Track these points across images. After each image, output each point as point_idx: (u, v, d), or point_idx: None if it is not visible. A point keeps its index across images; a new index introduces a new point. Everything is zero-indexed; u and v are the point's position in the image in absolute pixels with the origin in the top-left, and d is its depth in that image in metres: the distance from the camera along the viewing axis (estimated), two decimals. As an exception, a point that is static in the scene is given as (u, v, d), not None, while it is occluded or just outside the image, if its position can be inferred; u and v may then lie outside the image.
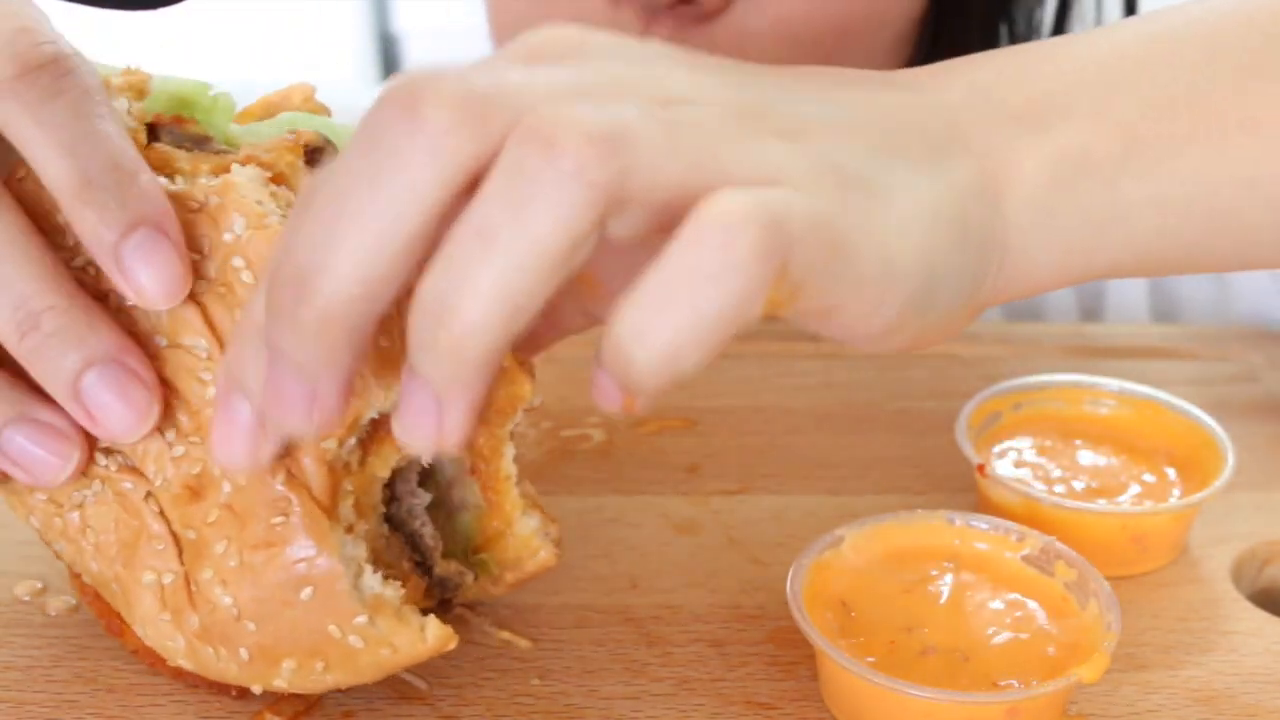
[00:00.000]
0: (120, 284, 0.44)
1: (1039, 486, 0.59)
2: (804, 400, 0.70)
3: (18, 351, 0.44)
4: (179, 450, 0.46)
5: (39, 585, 0.55)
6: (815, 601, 0.50)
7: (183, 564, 0.46)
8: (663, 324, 0.36)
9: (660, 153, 0.36)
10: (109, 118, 0.44)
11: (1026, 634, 0.50)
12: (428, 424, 0.38)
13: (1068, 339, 0.77)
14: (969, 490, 0.62)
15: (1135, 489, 0.59)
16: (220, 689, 0.49)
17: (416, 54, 2.42)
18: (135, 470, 0.46)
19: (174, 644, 0.46)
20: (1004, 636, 0.50)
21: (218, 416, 0.42)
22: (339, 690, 0.50)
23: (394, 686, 0.51)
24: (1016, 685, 0.48)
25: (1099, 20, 0.80)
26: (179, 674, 0.49)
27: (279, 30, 2.23)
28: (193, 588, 0.46)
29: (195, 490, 0.45)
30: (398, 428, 0.39)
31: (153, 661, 0.49)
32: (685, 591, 0.56)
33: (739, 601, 0.56)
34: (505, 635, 0.53)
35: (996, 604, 0.52)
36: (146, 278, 0.44)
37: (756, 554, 0.58)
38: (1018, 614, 0.51)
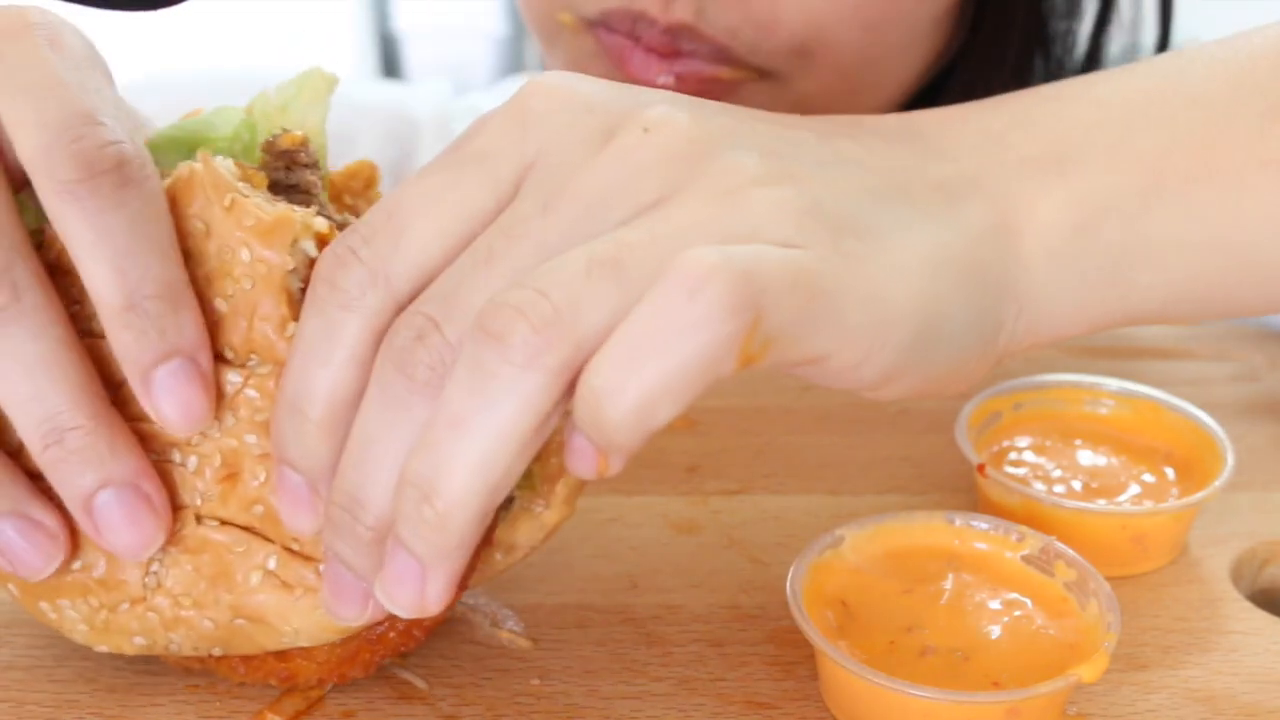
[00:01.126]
0: (145, 404, 0.45)
1: (1039, 486, 0.59)
2: (804, 400, 0.70)
3: (39, 459, 0.44)
4: (195, 459, 0.46)
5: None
6: (815, 601, 0.50)
7: (270, 539, 0.46)
8: (634, 381, 0.37)
9: (610, 311, 0.38)
10: (165, 235, 0.44)
11: (1026, 634, 0.50)
12: (411, 591, 0.40)
13: (1066, 339, 0.77)
14: (969, 490, 0.62)
15: (1135, 489, 0.59)
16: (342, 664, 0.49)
17: (416, 54, 2.43)
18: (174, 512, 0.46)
19: (320, 614, 0.46)
20: (1004, 636, 0.50)
21: (280, 493, 0.44)
22: (339, 689, 0.50)
23: (394, 686, 0.51)
24: (1016, 686, 0.48)
25: (1135, 35, 0.80)
26: (331, 667, 0.48)
27: (279, 30, 2.23)
28: (294, 546, 0.46)
29: (232, 474, 0.46)
30: (380, 593, 0.41)
31: (288, 675, 0.48)
32: (685, 591, 0.56)
33: (739, 601, 0.56)
34: (505, 635, 0.53)
35: (996, 604, 0.52)
36: (171, 407, 0.44)
37: (756, 554, 0.58)
38: (1017, 614, 0.51)
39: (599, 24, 0.69)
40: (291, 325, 0.45)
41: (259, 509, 0.46)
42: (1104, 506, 0.58)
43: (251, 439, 0.45)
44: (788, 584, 0.50)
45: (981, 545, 0.54)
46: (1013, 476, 0.59)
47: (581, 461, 0.40)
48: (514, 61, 2.50)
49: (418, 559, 0.40)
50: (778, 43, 0.67)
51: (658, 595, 0.56)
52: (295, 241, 0.45)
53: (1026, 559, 0.53)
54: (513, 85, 0.94)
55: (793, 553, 0.52)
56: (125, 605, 0.46)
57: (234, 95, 0.51)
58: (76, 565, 0.46)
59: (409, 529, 0.39)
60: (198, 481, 0.46)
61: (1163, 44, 0.79)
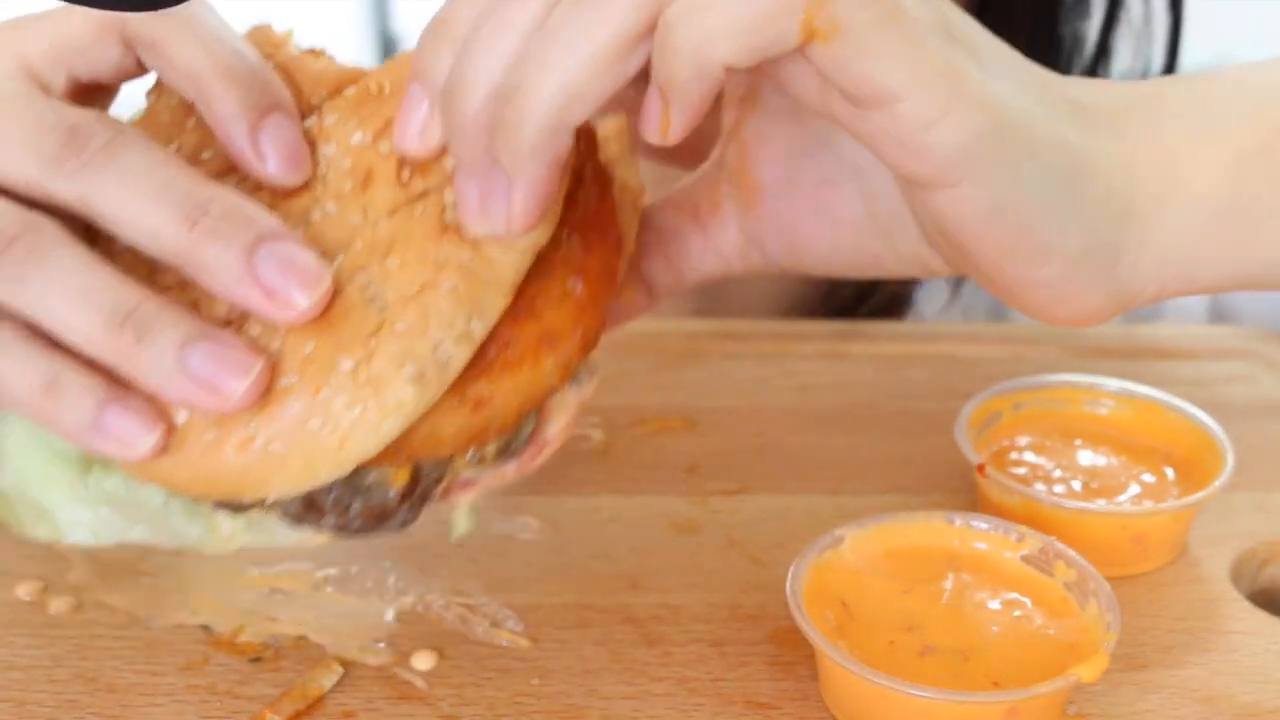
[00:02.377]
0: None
1: (1039, 486, 0.59)
2: (804, 400, 0.70)
3: (190, 240, 0.44)
4: (332, 204, 0.47)
5: (40, 585, 0.55)
6: (815, 601, 0.50)
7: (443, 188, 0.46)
8: (700, 15, 0.40)
9: None
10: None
11: (1026, 634, 0.50)
12: (500, 203, 0.43)
13: (1068, 339, 0.77)
14: (969, 490, 0.62)
15: (1135, 489, 0.59)
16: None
17: (416, 54, 2.43)
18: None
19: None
20: (1004, 636, 0.50)
21: (402, 107, 0.46)
22: (339, 689, 0.50)
23: (394, 686, 0.51)
24: (1016, 685, 0.48)
25: (1147, 34, 0.79)
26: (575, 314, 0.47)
27: (279, 30, 2.23)
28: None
29: (366, 178, 0.47)
30: (480, 212, 0.44)
31: (547, 336, 0.46)
32: (685, 591, 0.56)
33: (739, 601, 0.56)
34: (505, 635, 0.53)
35: (996, 604, 0.52)
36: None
37: (756, 554, 0.58)
38: (1017, 614, 0.51)
39: None
40: None
41: (405, 173, 0.46)
42: (1104, 506, 0.58)
43: (358, 137, 0.47)
44: (788, 584, 0.50)
45: (981, 545, 0.54)
46: (1013, 476, 0.59)
47: (648, 122, 0.42)
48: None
49: (504, 168, 0.42)
50: None
51: (658, 595, 0.56)
52: None
53: (1026, 559, 0.53)
54: None
55: (793, 553, 0.52)
56: (373, 341, 0.44)
57: None
58: (308, 348, 0.44)
59: (498, 136, 0.42)
60: (351, 214, 0.46)
61: (1173, 44, 0.78)
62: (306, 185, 0.48)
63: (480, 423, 0.46)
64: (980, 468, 0.58)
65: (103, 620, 0.54)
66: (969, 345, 0.75)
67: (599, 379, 0.50)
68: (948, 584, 0.52)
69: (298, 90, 0.50)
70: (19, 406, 0.45)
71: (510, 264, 0.45)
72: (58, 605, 0.54)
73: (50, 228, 0.45)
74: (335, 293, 0.45)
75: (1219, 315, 0.87)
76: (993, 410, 0.62)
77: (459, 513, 0.52)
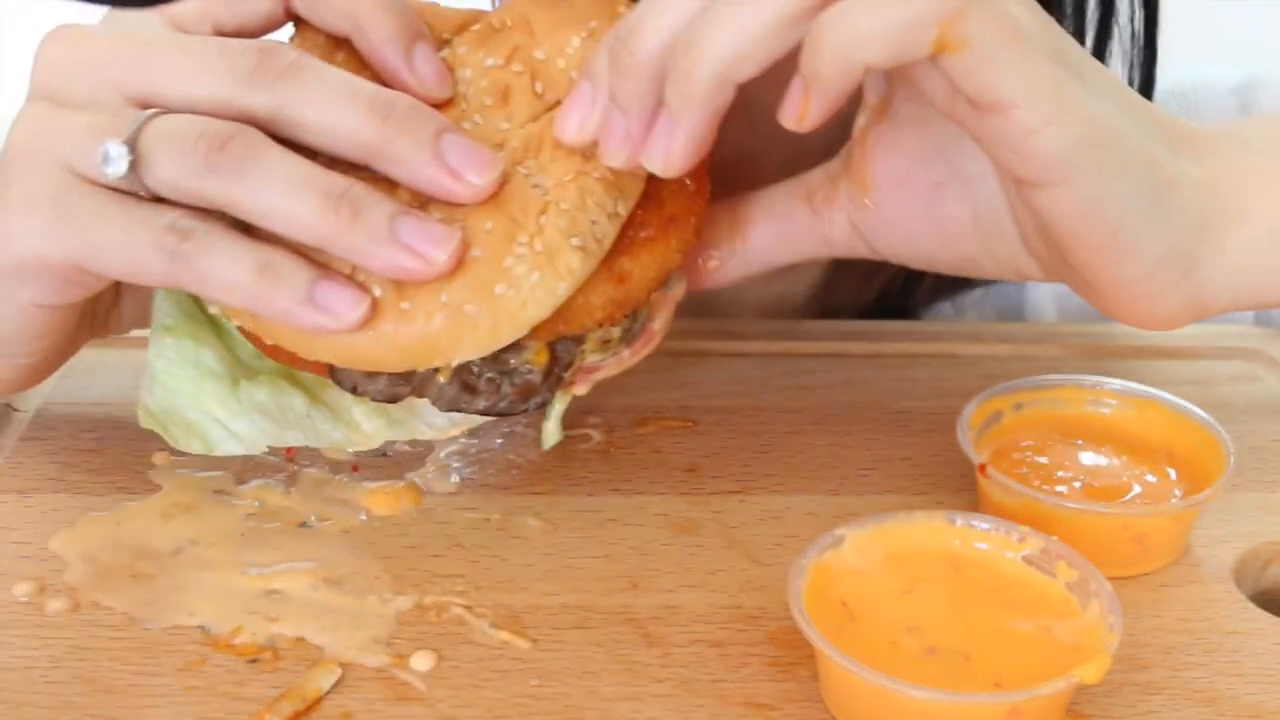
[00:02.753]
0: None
1: (1040, 487, 0.58)
2: (804, 400, 0.70)
3: (380, 133, 0.50)
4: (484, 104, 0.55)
5: (37, 586, 0.55)
6: (815, 601, 0.50)
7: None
8: (850, 18, 0.45)
9: None
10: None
11: (1028, 635, 0.50)
12: (662, 141, 0.49)
13: (1068, 339, 0.77)
14: (969, 490, 0.62)
15: (1137, 489, 0.59)
16: None
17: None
18: None
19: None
20: (1005, 637, 0.50)
21: (569, 98, 0.52)
22: (338, 690, 0.50)
23: (394, 687, 0.51)
24: (1017, 686, 0.48)
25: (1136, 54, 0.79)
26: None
27: (279, 29, 2.23)
28: None
29: (503, 93, 0.54)
30: (614, 149, 0.50)
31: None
32: (685, 591, 0.56)
33: (739, 601, 0.55)
34: (505, 635, 0.53)
35: (997, 604, 0.51)
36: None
37: (756, 554, 0.58)
38: (1019, 615, 0.51)
39: None
40: None
41: (539, 86, 0.54)
42: (1106, 507, 0.57)
43: (491, 61, 0.55)
44: (788, 584, 0.50)
45: (982, 545, 0.53)
46: (1014, 476, 0.59)
47: (789, 108, 0.48)
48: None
49: (671, 111, 0.48)
50: None
51: (658, 595, 0.56)
52: None
53: (1028, 559, 0.53)
54: None
55: (793, 553, 0.52)
56: (543, 218, 0.51)
57: None
58: (487, 226, 0.51)
59: (669, 83, 0.48)
60: (498, 122, 0.53)
61: (1147, 64, 0.77)
62: (450, 103, 0.54)
63: (622, 295, 0.53)
64: (981, 467, 0.58)
65: (100, 621, 0.54)
66: (970, 345, 0.75)
67: (684, 286, 0.58)
68: (949, 584, 0.52)
69: (429, 26, 0.56)
70: (232, 292, 0.50)
71: None
72: (55, 606, 0.54)
73: (257, 132, 0.50)
74: (505, 178, 0.52)
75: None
76: (994, 410, 0.62)
77: (550, 424, 0.61)
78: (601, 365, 0.57)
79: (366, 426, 0.59)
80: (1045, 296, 0.85)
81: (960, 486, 0.63)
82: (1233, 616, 0.55)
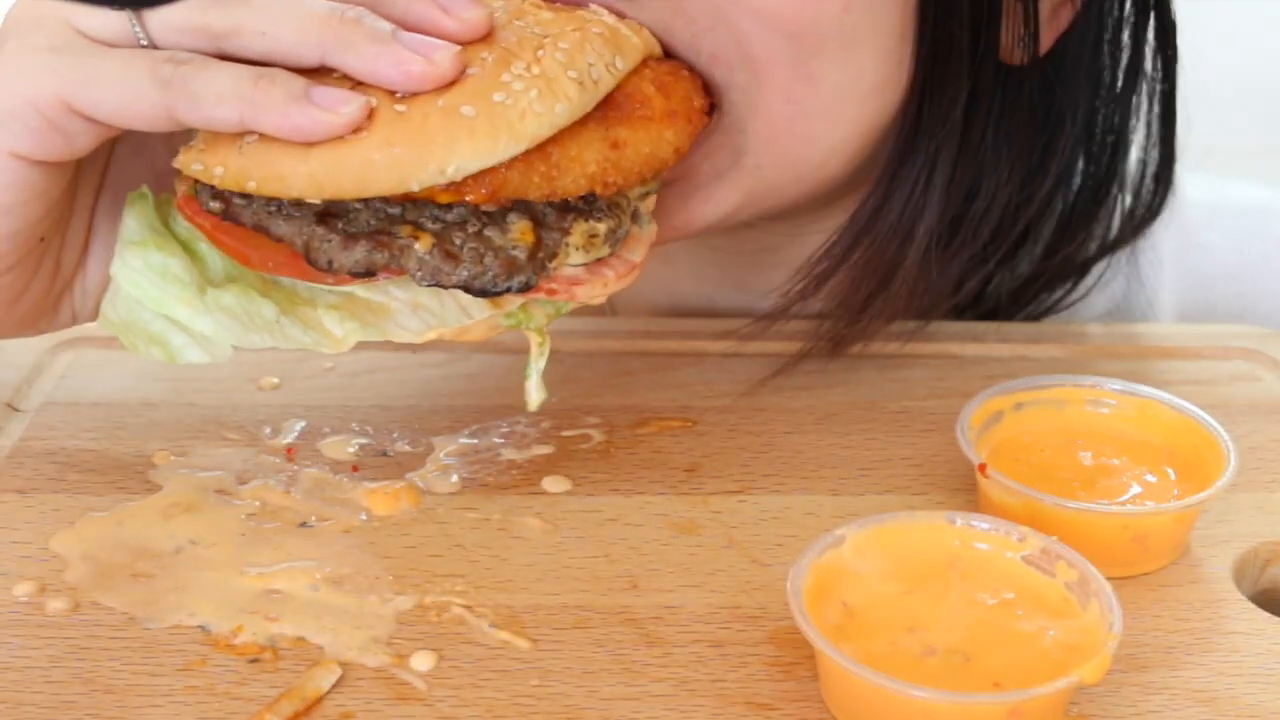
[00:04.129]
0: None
1: (1040, 487, 0.58)
2: (804, 400, 0.70)
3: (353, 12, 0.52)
4: None
5: (37, 586, 0.55)
6: (815, 601, 0.50)
7: None
8: None
9: None
10: None
11: (1028, 635, 0.50)
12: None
13: (1068, 338, 0.77)
14: (969, 490, 0.62)
15: (1136, 489, 0.59)
16: None
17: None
18: None
19: None
20: (1005, 637, 0.50)
21: None
22: (338, 690, 0.50)
23: (394, 687, 0.51)
24: (1017, 686, 0.48)
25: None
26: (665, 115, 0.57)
27: None
28: None
29: None
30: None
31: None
32: (685, 591, 0.56)
33: (739, 601, 0.55)
34: (505, 636, 0.53)
35: (997, 604, 0.51)
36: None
37: (756, 554, 0.58)
38: (1019, 614, 0.51)
39: None
40: None
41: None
42: (1105, 507, 0.57)
43: None
44: (788, 584, 0.50)
45: (982, 545, 0.53)
46: (1014, 476, 0.58)
47: None
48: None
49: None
50: (718, 37, 0.62)
51: (658, 595, 0.56)
52: None
53: (1027, 559, 0.53)
54: None
55: (793, 553, 0.52)
56: (540, 51, 0.53)
57: None
58: (485, 54, 0.53)
59: None
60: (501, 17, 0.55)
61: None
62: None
63: (614, 161, 0.54)
64: (981, 467, 0.58)
65: (100, 621, 0.54)
66: (970, 345, 0.75)
67: (655, 230, 0.60)
68: (949, 584, 0.52)
69: None
70: (225, 102, 0.51)
71: (642, 37, 0.58)
72: (55, 606, 0.54)
73: None
74: (502, 26, 0.54)
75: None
76: (994, 410, 0.62)
77: (532, 383, 0.59)
78: (584, 279, 0.56)
79: (338, 331, 0.57)
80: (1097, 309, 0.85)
81: (960, 486, 0.63)
82: (1232, 616, 0.55)
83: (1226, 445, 0.59)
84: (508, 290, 0.54)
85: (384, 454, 0.64)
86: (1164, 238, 0.85)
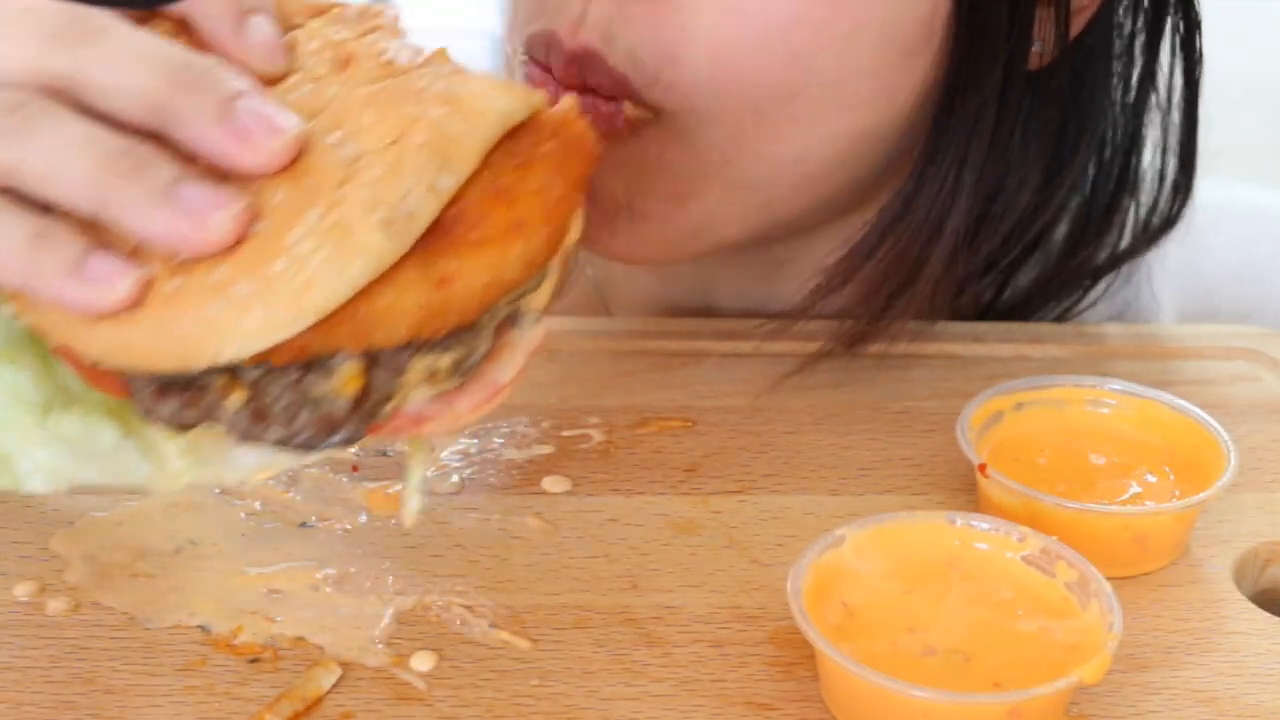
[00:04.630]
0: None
1: (1040, 487, 0.58)
2: (804, 400, 0.70)
3: (169, 92, 0.46)
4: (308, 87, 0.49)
5: (37, 585, 0.55)
6: (815, 601, 0.50)
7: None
8: None
9: None
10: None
11: (1027, 635, 0.50)
12: None
13: (1068, 339, 0.77)
14: (969, 490, 0.62)
15: (1136, 489, 0.59)
16: None
17: (416, 54, 2.42)
18: None
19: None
20: (1005, 637, 0.50)
21: None
22: (338, 690, 0.50)
23: (393, 687, 0.51)
24: (1017, 686, 0.48)
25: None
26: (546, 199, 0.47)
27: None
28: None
29: (345, 58, 0.49)
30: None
31: (517, 223, 0.46)
32: (685, 591, 0.56)
33: (739, 601, 0.55)
34: (505, 636, 0.53)
35: (997, 605, 0.51)
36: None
37: (756, 554, 0.58)
38: (1019, 614, 0.51)
39: (528, 59, 0.67)
40: None
41: (385, 54, 0.49)
42: (1105, 507, 0.57)
43: (341, 34, 0.50)
44: (788, 584, 0.50)
45: (982, 545, 0.53)
46: (1014, 476, 0.58)
47: None
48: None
49: None
50: (681, 73, 0.63)
51: (658, 595, 0.56)
52: None
53: (1027, 559, 0.53)
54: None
55: (793, 553, 0.52)
56: (341, 189, 0.45)
57: None
58: (277, 197, 0.45)
59: None
60: (329, 88, 0.48)
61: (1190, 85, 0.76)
62: (284, 77, 0.49)
63: (441, 302, 0.45)
64: (981, 468, 0.58)
65: (100, 621, 0.54)
66: (970, 345, 0.75)
67: (544, 331, 0.50)
68: (949, 584, 0.52)
69: (281, 10, 0.51)
70: (3, 267, 0.46)
71: (483, 125, 0.46)
72: (55, 606, 0.54)
73: (53, 100, 0.47)
74: (307, 148, 0.45)
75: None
76: (994, 410, 0.62)
77: (410, 489, 0.52)
78: (431, 413, 0.49)
79: (175, 464, 0.51)
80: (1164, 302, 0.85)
81: (960, 486, 0.63)
82: (1232, 616, 0.55)
83: (1227, 445, 0.59)
84: (328, 447, 0.47)
85: (384, 454, 0.64)
86: (1168, 240, 0.85)
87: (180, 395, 0.46)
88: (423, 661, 0.52)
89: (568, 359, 0.72)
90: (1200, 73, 0.73)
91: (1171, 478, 0.60)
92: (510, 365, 0.50)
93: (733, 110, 0.64)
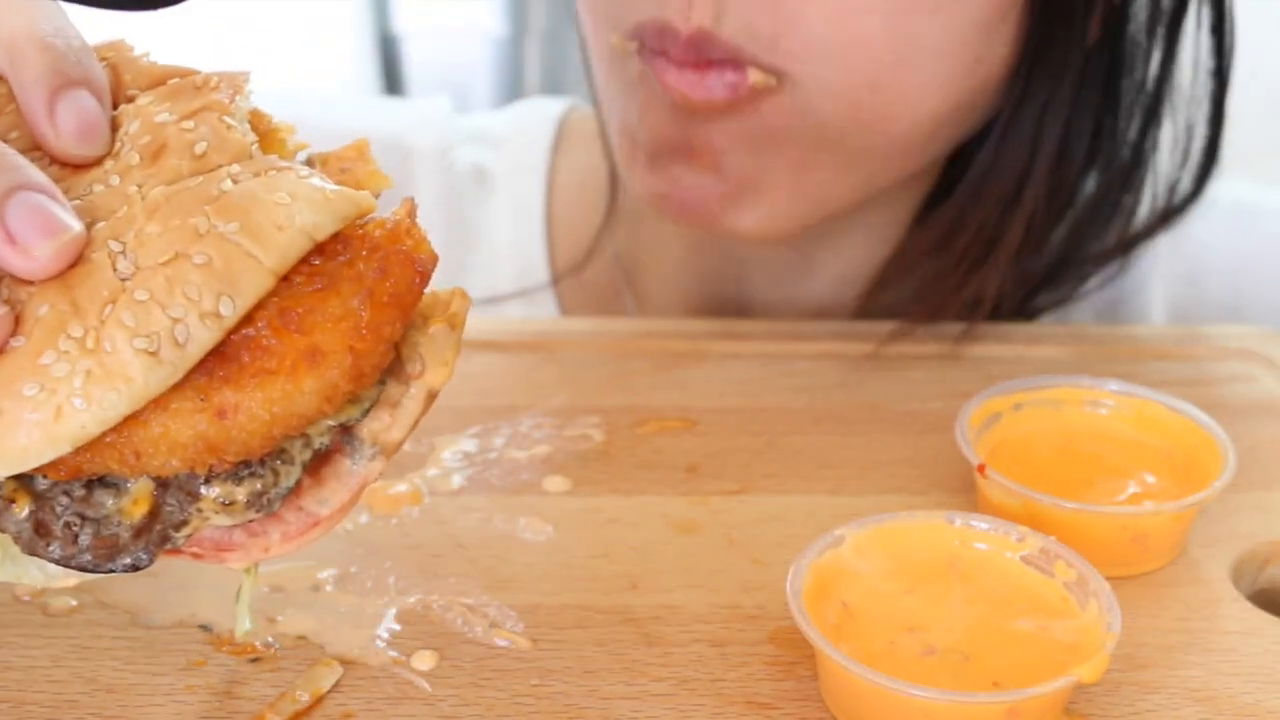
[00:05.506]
0: (48, 129, 0.45)
1: (1039, 487, 0.58)
2: (804, 400, 0.70)
3: None
4: (116, 177, 0.45)
5: (38, 585, 0.55)
6: (815, 601, 0.50)
7: (221, 164, 0.44)
8: None
9: None
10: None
11: (1026, 634, 0.50)
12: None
13: (1068, 339, 0.77)
14: (969, 490, 0.62)
15: (1135, 489, 0.59)
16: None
17: (416, 54, 2.43)
18: None
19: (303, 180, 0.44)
20: (1004, 636, 0.50)
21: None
22: (339, 690, 0.50)
23: (394, 686, 0.51)
24: (1016, 686, 0.48)
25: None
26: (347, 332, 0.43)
27: (279, 30, 2.23)
28: (254, 149, 0.45)
29: (158, 149, 0.45)
30: None
31: (311, 351, 0.43)
32: (685, 591, 0.56)
33: (739, 601, 0.56)
34: (505, 635, 0.53)
35: (996, 604, 0.52)
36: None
37: (756, 554, 0.58)
38: (1018, 614, 0.51)
39: (639, 45, 0.68)
40: None
41: (201, 146, 0.44)
42: (1104, 507, 0.58)
43: (164, 116, 0.45)
44: (788, 584, 0.50)
45: (981, 545, 0.54)
46: (1013, 477, 0.59)
47: None
48: (514, 62, 2.50)
49: None
50: (796, 38, 0.65)
51: (658, 595, 0.56)
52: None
53: (1026, 559, 0.53)
54: (528, 106, 0.93)
55: (793, 553, 0.52)
56: (109, 308, 0.41)
57: None
58: (42, 310, 0.41)
59: None
60: (130, 184, 0.44)
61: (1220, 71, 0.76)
62: (100, 162, 0.45)
63: (219, 436, 0.42)
64: (980, 468, 0.58)
65: (102, 620, 0.54)
66: (969, 345, 0.75)
67: (385, 463, 0.46)
68: (948, 584, 0.52)
69: (118, 80, 0.48)
70: None
71: (278, 244, 0.42)
72: (57, 605, 0.54)
73: None
74: (84, 256, 0.42)
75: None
76: (993, 410, 0.62)
77: (240, 607, 0.49)
78: (237, 542, 0.46)
79: None
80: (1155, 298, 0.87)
81: (960, 486, 0.63)
82: (1230, 616, 0.55)
83: (1224, 445, 0.59)
84: (112, 571, 0.44)
85: (385, 454, 0.64)
86: (1165, 231, 0.85)
87: None
88: (424, 660, 0.52)
89: (568, 359, 0.72)
90: (1232, 43, 0.74)
91: (1170, 478, 0.60)
92: (334, 497, 0.46)
93: (850, 80, 0.66)
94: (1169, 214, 0.78)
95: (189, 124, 0.45)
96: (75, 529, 0.44)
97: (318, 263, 0.43)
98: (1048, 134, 0.71)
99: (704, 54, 0.66)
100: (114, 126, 0.46)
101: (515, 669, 0.52)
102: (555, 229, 0.88)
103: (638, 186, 0.73)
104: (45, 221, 0.42)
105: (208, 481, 0.44)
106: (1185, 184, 0.78)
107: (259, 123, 0.47)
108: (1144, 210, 0.79)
